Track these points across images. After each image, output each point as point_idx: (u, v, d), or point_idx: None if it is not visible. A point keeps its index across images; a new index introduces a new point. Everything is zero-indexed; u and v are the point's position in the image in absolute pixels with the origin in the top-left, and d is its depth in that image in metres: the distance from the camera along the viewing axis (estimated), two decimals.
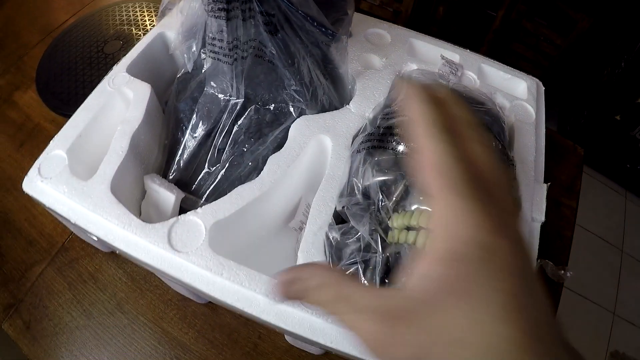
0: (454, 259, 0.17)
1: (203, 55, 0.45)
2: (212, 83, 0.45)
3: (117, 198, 0.42)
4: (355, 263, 0.34)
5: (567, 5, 1.02)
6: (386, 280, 0.32)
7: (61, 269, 0.52)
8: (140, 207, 0.47)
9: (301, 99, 0.43)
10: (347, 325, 0.18)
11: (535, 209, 0.43)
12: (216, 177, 0.45)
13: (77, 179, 0.42)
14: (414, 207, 0.35)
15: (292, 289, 0.20)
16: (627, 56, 1.11)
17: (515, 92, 0.52)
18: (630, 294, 1.25)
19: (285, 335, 0.47)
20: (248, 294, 0.36)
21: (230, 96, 0.45)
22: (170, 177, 0.46)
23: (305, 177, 0.43)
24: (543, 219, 0.43)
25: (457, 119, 0.20)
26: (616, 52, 1.14)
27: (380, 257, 0.33)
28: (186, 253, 0.38)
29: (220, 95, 0.45)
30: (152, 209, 0.45)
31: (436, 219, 0.18)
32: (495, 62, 0.53)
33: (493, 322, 0.16)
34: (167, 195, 0.44)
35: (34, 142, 0.59)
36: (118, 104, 0.49)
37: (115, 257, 0.52)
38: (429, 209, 0.35)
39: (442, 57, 0.50)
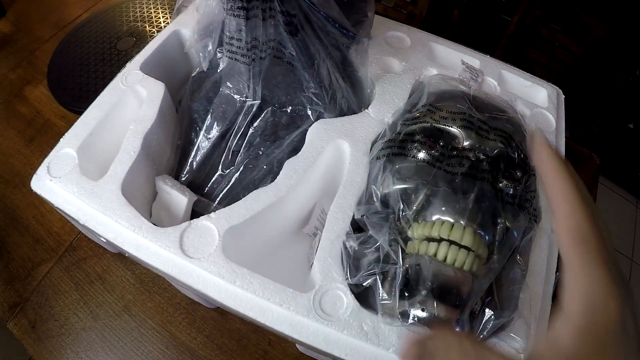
0: (595, 334, 0.18)
1: (219, 55, 0.44)
2: (228, 83, 0.44)
3: (128, 199, 0.40)
4: (373, 274, 0.33)
5: (583, 12, 1.00)
6: (406, 294, 0.31)
7: (68, 268, 0.51)
8: (151, 209, 0.45)
9: (320, 102, 0.41)
10: None
11: (554, 219, 0.42)
12: (230, 180, 0.43)
13: (87, 179, 0.41)
14: (435, 217, 0.33)
15: None
16: None
17: (535, 99, 0.51)
18: None
19: (297, 344, 0.46)
20: (262, 303, 0.35)
21: (246, 97, 0.43)
22: (183, 179, 0.45)
23: (321, 183, 0.42)
24: None
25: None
26: (631, 60, 1.12)
27: (401, 268, 0.32)
28: (198, 259, 0.37)
29: (236, 96, 0.44)
30: (164, 211, 0.44)
31: (578, 287, 0.19)
32: (515, 68, 0.52)
33: None
34: (179, 198, 0.43)
35: (43, 138, 0.58)
36: (131, 102, 0.47)
37: (124, 258, 0.51)
38: (451, 220, 0.34)
39: (463, 63, 0.48)
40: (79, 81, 0.60)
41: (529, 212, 0.38)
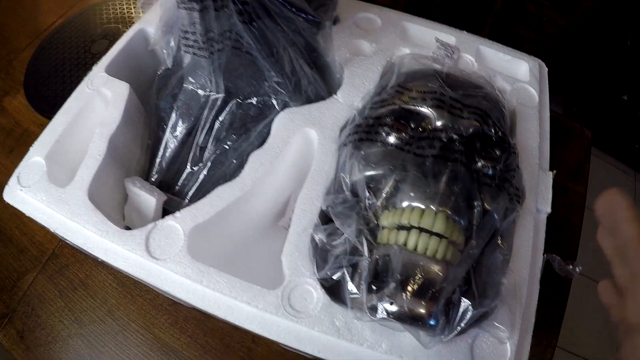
0: None
1: (183, 50, 0.41)
2: (190, 78, 0.41)
3: (96, 204, 0.38)
4: (341, 267, 0.30)
5: None
6: (373, 287, 0.28)
7: (52, 276, 0.49)
8: (124, 212, 0.43)
9: (283, 91, 0.38)
10: None
11: (540, 199, 0.38)
12: (199, 177, 0.41)
13: (55, 187, 0.39)
14: (404, 204, 0.30)
15: None
16: (632, 34, 1.03)
17: (516, 74, 0.47)
18: None
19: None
20: (229, 302, 0.33)
21: (210, 91, 0.40)
22: (153, 179, 0.43)
23: (292, 174, 0.39)
24: (549, 209, 0.39)
25: None
26: (621, 31, 1.06)
27: (367, 260, 0.29)
28: (164, 260, 0.34)
29: (200, 91, 0.41)
30: (135, 213, 0.42)
31: None
32: (495, 43, 0.48)
33: None
34: (147, 199, 0.40)
35: (22, 147, 0.56)
36: (98, 105, 0.45)
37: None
38: (422, 206, 0.31)
39: (437, 40, 0.45)
40: (54, 88, 0.58)
41: (510, 193, 0.35)
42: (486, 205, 0.33)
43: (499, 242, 0.33)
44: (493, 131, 0.35)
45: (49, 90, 0.58)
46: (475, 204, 0.31)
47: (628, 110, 1.15)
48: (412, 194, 0.30)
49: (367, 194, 0.31)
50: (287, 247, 0.33)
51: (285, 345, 0.32)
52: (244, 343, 0.44)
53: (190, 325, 0.45)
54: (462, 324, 0.28)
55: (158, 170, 0.42)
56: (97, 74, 0.45)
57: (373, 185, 0.32)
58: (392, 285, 0.27)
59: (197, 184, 0.41)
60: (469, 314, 0.28)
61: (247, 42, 0.36)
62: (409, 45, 0.44)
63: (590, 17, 0.94)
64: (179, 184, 0.42)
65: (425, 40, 0.46)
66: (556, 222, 0.58)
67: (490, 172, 0.34)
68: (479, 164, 0.34)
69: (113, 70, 0.46)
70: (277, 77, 0.37)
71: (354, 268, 0.30)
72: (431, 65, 0.40)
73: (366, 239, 0.30)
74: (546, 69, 0.48)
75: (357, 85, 0.40)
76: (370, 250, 0.30)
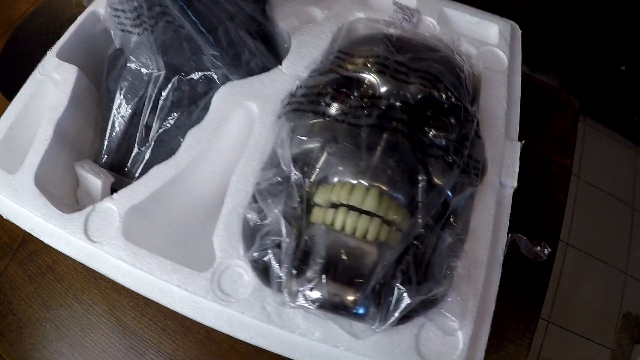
0: None
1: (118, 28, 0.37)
2: (131, 57, 0.37)
3: (44, 189, 0.36)
4: (268, 249, 0.26)
5: None
6: (294, 272, 0.24)
7: (22, 262, 0.47)
8: (77, 196, 0.40)
9: (221, 64, 0.34)
10: None
11: (505, 171, 0.33)
12: (145, 157, 0.37)
13: (4, 173, 0.37)
14: (335, 179, 0.26)
15: None
16: (629, 3, 0.93)
17: (485, 37, 0.41)
18: None
19: None
20: (162, 284, 0.30)
21: (152, 69, 0.37)
22: (103, 161, 0.40)
23: (237, 151, 0.35)
24: (515, 184, 0.34)
25: None
26: (618, 0, 0.97)
27: (286, 242, 0.25)
28: (100, 243, 0.32)
29: (143, 70, 0.37)
30: (86, 197, 0.39)
31: None
32: (462, 5, 0.42)
33: None
34: (94, 181, 0.37)
35: None
36: (50, 90, 0.42)
37: None
38: (353, 181, 0.26)
39: (395, 3, 0.39)
40: (27, 77, 0.55)
41: (467, 165, 0.30)
42: (435, 180, 0.28)
43: (451, 220, 0.29)
44: (444, 97, 0.30)
45: (22, 80, 0.55)
46: (420, 178, 0.27)
47: (626, 81, 1.05)
48: (341, 168, 0.25)
49: (294, 169, 0.27)
50: (219, 227, 0.29)
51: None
52: (202, 326, 0.41)
53: (150, 309, 0.42)
54: (396, 314, 0.24)
55: (107, 152, 0.39)
56: (49, 59, 0.42)
57: (306, 159, 0.28)
58: (314, 269, 0.23)
59: (142, 165, 0.37)
60: (403, 303, 0.24)
61: (176, 16, 0.32)
62: (365, 9, 0.39)
63: None
64: (128, 165, 0.39)
65: (384, 4, 0.41)
66: (539, 196, 0.52)
67: (443, 142, 0.30)
68: (430, 134, 0.30)
69: (66, 55, 0.42)
70: (212, 49, 0.33)
71: (284, 258, 0.26)
72: (383, 30, 0.35)
73: (294, 219, 0.26)
74: (519, 32, 0.42)
75: (304, 55, 0.36)
76: (300, 230, 0.26)
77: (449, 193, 0.29)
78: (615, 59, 1.04)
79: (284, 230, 0.25)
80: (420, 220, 0.26)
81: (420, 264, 0.26)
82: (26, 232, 0.48)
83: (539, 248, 0.33)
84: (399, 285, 0.24)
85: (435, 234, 0.27)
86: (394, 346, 0.26)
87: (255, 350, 0.41)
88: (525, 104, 0.57)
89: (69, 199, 0.40)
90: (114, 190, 0.39)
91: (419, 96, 0.29)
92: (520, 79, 0.39)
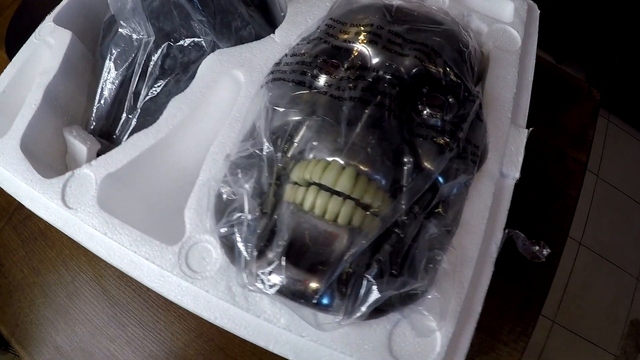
0: None
1: None
2: (122, 22, 0.35)
3: (30, 153, 0.35)
4: (233, 225, 0.24)
5: None
6: (255, 252, 0.22)
7: (16, 226, 0.47)
8: (66, 161, 0.39)
9: (209, 31, 0.32)
10: None
11: (507, 160, 0.30)
12: (132, 124, 0.36)
13: None
14: (311, 155, 0.23)
15: None
16: None
17: (500, 15, 0.37)
18: None
19: None
20: (132, 256, 0.28)
21: (142, 35, 0.35)
22: (92, 127, 0.38)
23: (221, 122, 0.33)
24: (517, 175, 0.30)
25: None
26: None
27: (247, 220, 0.23)
28: (75, 210, 0.30)
29: (134, 36, 0.35)
30: (72, 163, 0.38)
31: None
32: None
33: None
34: (80, 148, 0.36)
35: None
36: (45, 55, 0.41)
37: None
38: (328, 159, 0.24)
39: None
40: None
41: (463, 150, 0.27)
42: (424, 163, 0.25)
43: (440, 210, 0.26)
44: (442, 72, 0.27)
45: None
46: (405, 159, 0.24)
47: None
48: (316, 143, 0.23)
49: (267, 143, 0.24)
50: (191, 200, 0.27)
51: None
52: None
53: (135, 280, 0.41)
54: (363, 308, 0.21)
55: (96, 118, 0.38)
56: (46, 23, 0.41)
57: (283, 133, 0.25)
58: (275, 251, 0.21)
59: (129, 132, 0.36)
60: (372, 297, 0.21)
61: None
62: None
63: None
64: (117, 132, 0.37)
65: None
66: (548, 191, 0.48)
67: (438, 123, 0.27)
68: (424, 113, 0.27)
69: (63, 20, 0.41)
70: (199, 15, 0.31)
71: (245, 236, 0.24)
72: (384, 0, 0.31)
73: (267, 195, 0.24)
74: (537, 12, 0.38)
75: (299, 23, 0.33)
76: (272, 209, 0.24)
77: (440, 179, 0.26)
78: None
79: (246, 206, 0.23)
80: (402, 206, 0.23)
81: (399, 254, 0.23)
82: None
83: (537, 248, 0.30)
84: (368, 276, 0.21)
85: (420, 222, 0.24)
86: (364, 342, 0.24)
87: None
88: (541, 92, 0.52)
89: (58, 164, 0.39)
90: None
91: (414, 70, 0.26)
92: (534, 62, 0.35)
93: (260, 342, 0.25)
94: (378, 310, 0.23)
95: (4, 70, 0.40)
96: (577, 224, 1.01)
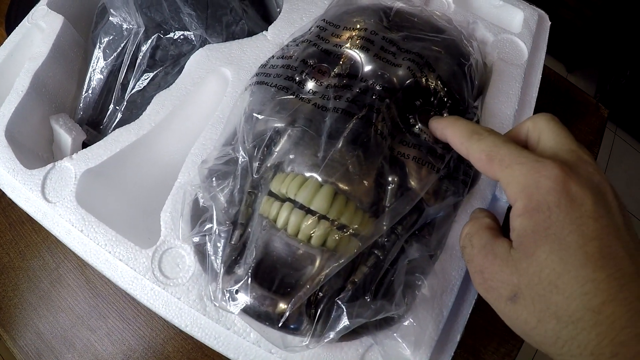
0: (536, 210, 0.17)
1: None
2: (112, 11, 0.34)
3: (15, 141, 0.34)
4: (205, 235, 0.23)
5: None
6: (222, 267, 0.20)
7: (5, 209, 0.46)
8: (52, 151, 0.38)
9: (199, 25, 0.30)
10: None
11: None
12: (118, 116, 0.35)
13: None
14: (289, 168, 0.22)
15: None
16: None
17: (508, 25, 0.35)
18: None
19: None
20: (107, 256, 0.27)
21: (132, 25, 0.33)
22: (79, 116, 0.37)
23: (205, 122, 0.32)
24: None
25: None
26: None
27: (216, 233, 0.21)
28: (54, 204, 0.29)
29: (124, 25, 0.34)
30: (58, 152, 0.37)
31: (508, 182, 0.19)
32: None
33: (579, 267, 0.16)
34: (65, 137, 0.35)
35: None
36: (36, 39, 0.39)
37: None
38: (306, 174, 0.22)
39: None
40: None
41: (454, 169, 0.25)
42: (411, 183, 0.24)
43: (425, 233, 0.25)
44: (437, 86, 0.25)
45: None
46: (390, 179, 0.23)
47: None
48: (293, 156, 0.21)
49: (242, 152, 0.23)
50: (168, 202, 0.26)
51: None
52: None
53: None
54: (332, 334, 0.20)
55: (83, 107, 0.37)
56: (39, 7, 0.39)
57: (261, 141, 0.24)
58: (244, 268, 0.20)
59: (115, 124, 0.35)
60: (341, 323, 0.20)
61: None
62: None
63: None
64: (104, 122, 0.36)
65: None
66: None
67: (430, 140, 0.25)
68: (415, 128, 0.25)
69: (57, 5, 0.40)
70: (187, 8, 0.29)
71: (214, 250, 0.23)
72: (385, 1, 0.29)
73: (243, 206, 0.22)
74: (548, 23, 0.36)
75: (293, 21, 0.31)
76: (247, 221, 0.23)
77: (427, 203, 0.24)
78: None
79: (215, 220, 0.22)
80: (384, 227, 0.22)
81: (375, 277, 0.22)
82: None
83: None
84: (339, 302, 0.20)
85: (401, 245, 0.23)
86: None
87: None
88: (547, 105, 0.50)
89: (44, 151, 0.38)
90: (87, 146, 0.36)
91: (407, 82, 0.25)
92: (540, 77, 0.34)
93: (230, 355, 0.24)
94: (351, 332, 0.22)
95: None
96: None
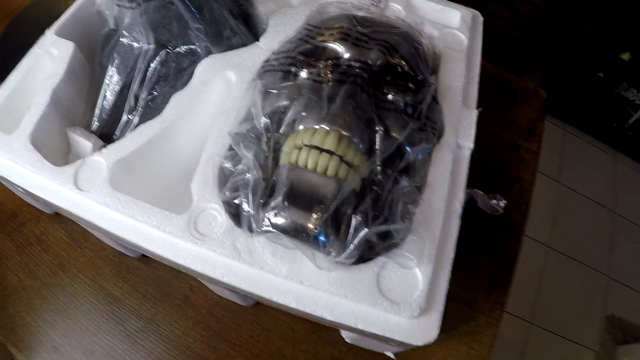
0: None
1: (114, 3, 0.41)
2: (124, 32, 0.41)
3: (38, 148, 0.39)
4: (238, 189, 0.29)
5: None
6: (260, 201, 0.27)
7: (11, 234, 0.49)
8: (69, 161, 0.43)
9: (204, 37, 0.38)
10: None
11: (461, 134, 0.37)
12: (133, 124, 0.41)
13: (2, 134, 0.40)
14: (301, 127, 0.29)
15: None
16: (606, 11, 1.00)
17: (449, 22, 0.46)
18: (625, 255, 1.13)
19: (211, 287, 0.42)
20: (141, 227, 0.32)
21: (142, 44, 0.41)
22: (93, 129, 0.43)
23: (216, 114, 0.39)
24: (472, 145, 0.37)
25: None
26: (595, 7, 1.03)
27: (254, 175, 0.28)
28: (88, 191, 0.35)
29: (134, 44, 0.41)
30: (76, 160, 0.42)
31: None
32: None
33: None
34: (85, 144, 0.41)
35: None
36: (46, 63, 0.45)
37: (58, 218, 0.49)
38: (315, 126, 0.30)
39: None
40: None
41: (424, 125, 0.34)
42: (392, 133, 0.32)
43: (410, 173, 0.32)
44: (401, 63, 0.34)
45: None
46: (377, 128, 0.31)
47: (604, 87, 1.12)
48: (305, 115, 0.29)
49: (264, 117, 0.30)
50: (196, 175, 0.32)
51: (196, 273, 0.31)
52: (181, 291, 0.44)
53: (132, 275, 0.45)
54: (355, 242, 0.26)
55: (98, 120, 0.43)
56: (47, 35, 0.46)
57: (275, 115, 0.31)
58: (279, 198, 0.26)
59: (130, 130, 0.41)
60: (361, 232, 0.27)
61: None
62: None
63: None
64: (117, 132, 0.42)
65: None
66: (505, 179, 0.56)
67: (401, 104, 0.33)
68: (389, 96, 0.33)
69: (64, 33, 0.46)
70: (197, 24, 0.37)
71: (251, 189, 0.29)
72: (351, 11, 0.39)
73: (264, 166, 0.29)
74: (481, 19, 0.47)
75: (280, 32, 0.40)
76: (269, 172, 0.29)
77: (407, 147, 0.32)
78: (592, 66, 1.10)
79: (252, 165, 0.28)
80: (376, 163, 0.29)
81: (378, 205, 0.29)
82: (15, 205, 0.51)
83: (494, 201, 0.37)
84: (356, 216, 0.27)
85: (393, 179, 0.30)
86: (355, 283, 0.29)
87: (231, 316, 0.44)
88: (493, 94, 0.61)
89: (62, 163, 0.43)
90: None
91: (379, 62, 0.33)
92: (480, 59, 0.44)
93: (265, 294, 0.30)
94: (367, 257, 0.28)
95: (8, 77, 0.44)
96: (544, 228, 1.10)
